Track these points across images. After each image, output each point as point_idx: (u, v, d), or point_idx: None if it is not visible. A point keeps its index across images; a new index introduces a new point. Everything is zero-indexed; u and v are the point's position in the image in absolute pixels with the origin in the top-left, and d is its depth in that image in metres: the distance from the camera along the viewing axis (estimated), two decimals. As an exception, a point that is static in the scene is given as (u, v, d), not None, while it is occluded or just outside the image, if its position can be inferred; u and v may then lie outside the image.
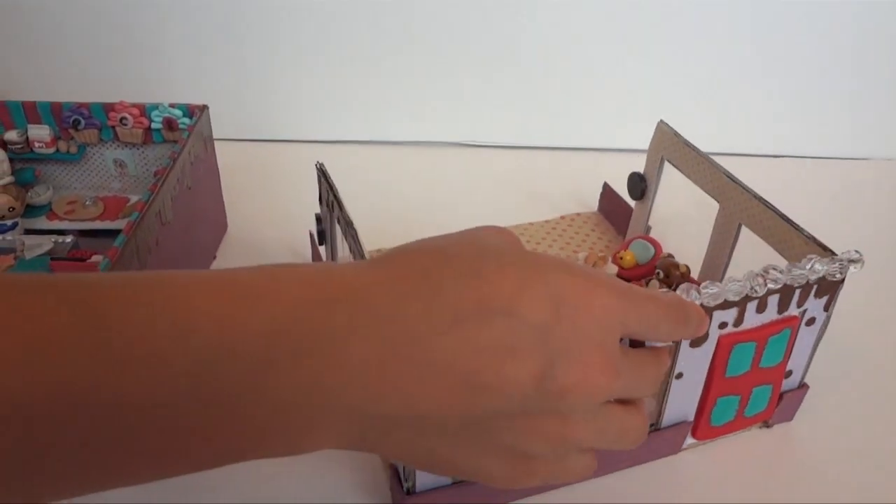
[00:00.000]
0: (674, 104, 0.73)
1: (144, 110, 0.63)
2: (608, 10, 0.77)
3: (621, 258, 0.59)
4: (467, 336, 0.28)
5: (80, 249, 0.59)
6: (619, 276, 0.59)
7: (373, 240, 0.71)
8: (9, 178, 0.62)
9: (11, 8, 0.77)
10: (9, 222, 0.62)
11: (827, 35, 0.79)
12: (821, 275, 0.42)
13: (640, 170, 0.64)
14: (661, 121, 0.61)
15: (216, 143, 0.66)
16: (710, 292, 0.40)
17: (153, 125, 0.64)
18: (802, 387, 0.50)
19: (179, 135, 0.64)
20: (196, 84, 0.82)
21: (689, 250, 0.60)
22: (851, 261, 0.43)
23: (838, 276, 0.43)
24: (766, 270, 0.41)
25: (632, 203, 0.66)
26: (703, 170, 0.56)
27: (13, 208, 0.62)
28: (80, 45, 0.80)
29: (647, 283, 0.57)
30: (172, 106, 0.63)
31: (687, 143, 0.58)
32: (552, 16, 0.78)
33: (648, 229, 0.65)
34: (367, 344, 0.27)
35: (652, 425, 0.47)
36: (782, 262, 0.43)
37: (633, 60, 0.81)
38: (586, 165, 0.82)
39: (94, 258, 0.55)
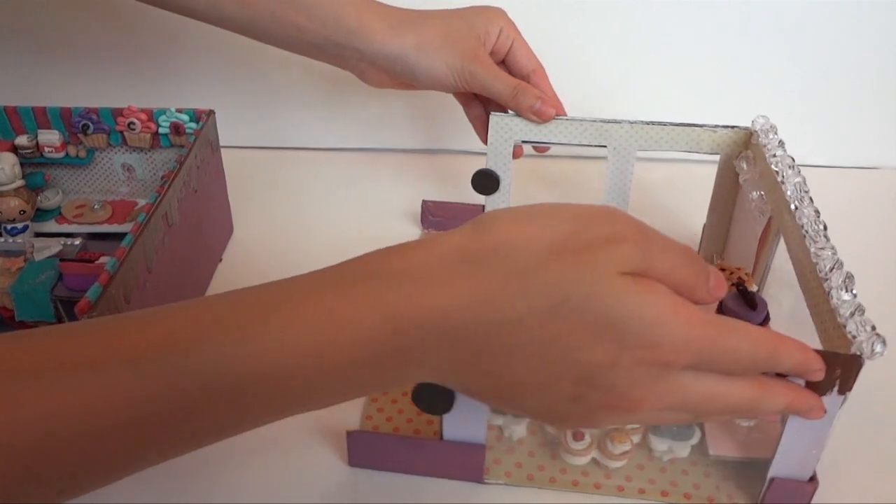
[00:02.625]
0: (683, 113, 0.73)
1: (152, 115, 0.64)
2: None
3: None
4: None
5: (89, 252, 0.60)
6: None
7: (392, 233, 0.71)
8: (20, 182, 0.63)
9: (21, 15, 0.79)
10: (19, 225, 0.63)
11: (833, 41, 0.79)
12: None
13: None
14: (493, 112, 0.63)
15: (224, 151, 0.67)
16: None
17: (161, 130, 0.65)
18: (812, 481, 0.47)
19: (186, 139, 0.65)
20: (204, 93, 0.83)
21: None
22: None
23: None
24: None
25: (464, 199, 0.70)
26: (571, 129, 0.62)
27: (24, 211, 0.63)
28: (89, 51, 0.81)
29: None
30: (179, 111, 0.64)
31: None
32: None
33: None
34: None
35: None
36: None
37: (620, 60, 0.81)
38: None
39: (102, 259, 0.56)
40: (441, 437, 0.46)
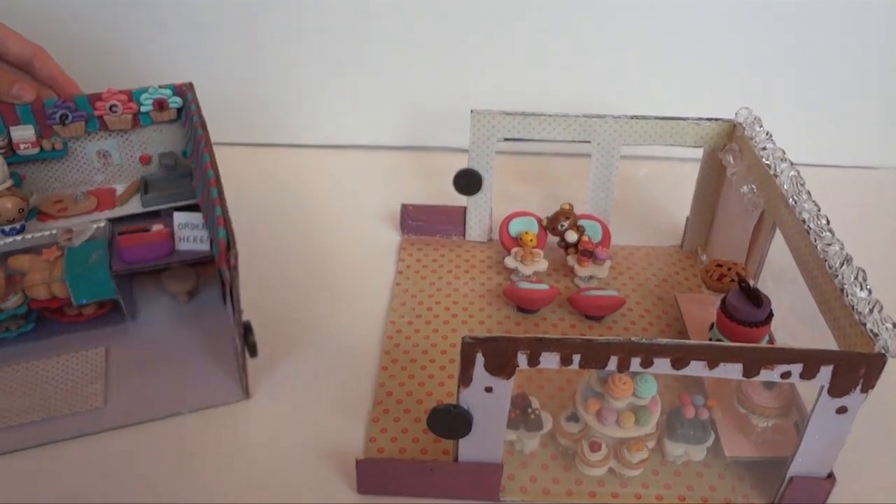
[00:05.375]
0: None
1: (132, 95, 0.65)
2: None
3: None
4: None
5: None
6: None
7: (371, 237, 0.74)
8: (9, 182, 0.62)
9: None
10: (18, 225, 0.62)
11: (831, 41, 0.79)
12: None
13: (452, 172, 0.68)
14: (474, 110, 0.64)
15: (215, 148, 0.68)
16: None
17: (142, 108, 0.66)
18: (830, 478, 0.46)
19: (170, 114, 0.66)
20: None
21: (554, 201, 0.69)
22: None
23: None
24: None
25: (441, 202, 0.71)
26: (555, 125, 0.63)
27: (23, 209, 0.62)
28: (73, 44, 0.78)
29: (575, 247, 0.66)
30: (161, 87, 0.65)
31: (515, 113, 0.64)
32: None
33: (491, 211, 0.71)
34: None
35: None
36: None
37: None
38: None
39: (155, 227, 0.58)
40: (456, 459, 0.45)
